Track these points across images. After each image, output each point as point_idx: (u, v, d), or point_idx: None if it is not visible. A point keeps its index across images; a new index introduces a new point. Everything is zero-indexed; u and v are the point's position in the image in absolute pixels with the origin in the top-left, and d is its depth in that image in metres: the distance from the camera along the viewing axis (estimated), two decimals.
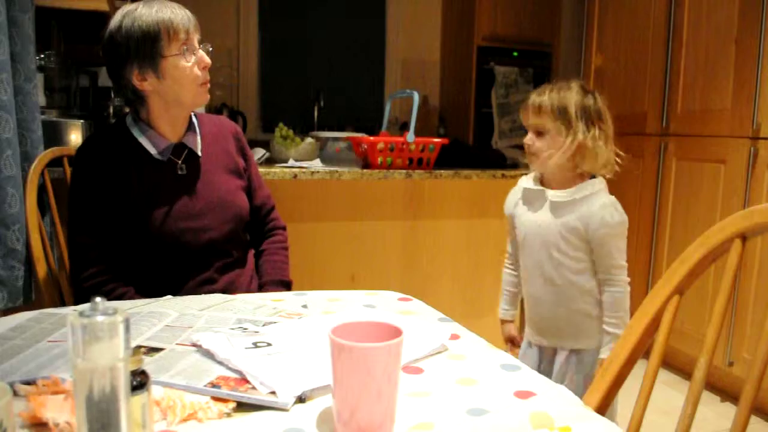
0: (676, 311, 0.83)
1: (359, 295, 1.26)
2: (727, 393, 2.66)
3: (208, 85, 1.42)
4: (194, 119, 1.51)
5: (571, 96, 1.49)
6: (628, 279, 1.52)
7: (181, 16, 1.35)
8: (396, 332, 0.71)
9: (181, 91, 1.37)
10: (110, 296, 1.33)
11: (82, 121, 2.09)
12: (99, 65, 2.78)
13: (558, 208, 1.52)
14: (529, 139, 1.56)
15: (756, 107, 2.55)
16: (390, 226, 2.27)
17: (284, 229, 1.67)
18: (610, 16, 3.43)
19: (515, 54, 4.55)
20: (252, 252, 1.61)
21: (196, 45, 1.38)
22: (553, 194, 1.54)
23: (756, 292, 2.49)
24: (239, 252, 1.53)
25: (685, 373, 2.87)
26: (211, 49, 1.42)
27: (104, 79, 2.80)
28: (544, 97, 1.51)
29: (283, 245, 1.64)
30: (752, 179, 2.56)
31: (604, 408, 0.86)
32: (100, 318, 0.55)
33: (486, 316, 2.34)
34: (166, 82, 1.35)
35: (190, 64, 1.36)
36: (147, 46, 1.32)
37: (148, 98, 1.39)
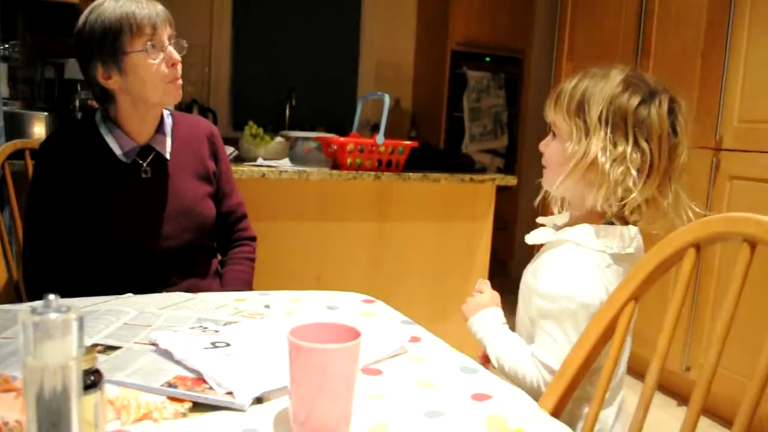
0: (631, 317, 0.84)
1: (322, 295, 1.26)
2: (684, 398, 2.71)
3: (180, 82, 1.36)
4: (168, 119, 1.46)
5: (604, 88, 1.03)
6: (542, 388, 0.99)
7: (147, 10, 1.29)
8: (355, 334, 0.72)
9: (146, 89, 1.32)
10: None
11: (45, 113, 2.05)
12: (65, 57, 2.73)
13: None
14: (542, 143, 1.13)
15: (719, 120, 2.61)
16: (357, 228, 2.28)
17: (253, 240, 1.63)
18: (582, 25, 3.48)
19: (488, 59, 4.59)
20: (217, 259, 1.58)
21: (165, 41, 1.32)
22: (529, 236, 1.17)
23: (714, 300, 2.54)
24: (202, 258, 1.50)
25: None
26: (185, 45, 1.36)
27: (71, 72, 2.75)
28: (567, 83, 1.09)
29: (248, 256, 1.59)
30: (714, 189, 2.62)
31: (558, 411, 0.87)
32: (52, 315, 0.54)
33: (451, 320, 2.35)
34: (130, 79, 1.31)
35: (156, 61, 1.30)
36: (108, 42, 1.28)
37: (116, 96, 1.35)
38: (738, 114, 2.55)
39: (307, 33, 4.59)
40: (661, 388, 2.76)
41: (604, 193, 0.99)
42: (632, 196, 0.98)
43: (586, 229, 1.02)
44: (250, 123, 2.36)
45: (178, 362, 0.86)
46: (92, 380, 0.61)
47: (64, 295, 0.57)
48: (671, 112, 1.02)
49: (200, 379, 0.81)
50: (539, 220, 1.19)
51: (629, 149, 0.99)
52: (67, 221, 1.36)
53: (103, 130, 1.38)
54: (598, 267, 1.00)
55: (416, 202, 2.35)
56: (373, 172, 2.15)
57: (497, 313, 1.20)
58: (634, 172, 0.97)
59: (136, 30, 1.28)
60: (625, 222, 1.03)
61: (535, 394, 0.95)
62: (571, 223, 1.09)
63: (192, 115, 1.57)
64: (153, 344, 0.92)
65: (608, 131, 1.00)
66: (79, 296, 1.15)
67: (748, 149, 2.49)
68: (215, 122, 3.95)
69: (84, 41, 1.30)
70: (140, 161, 1.40)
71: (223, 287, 1.50)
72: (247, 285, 1.54)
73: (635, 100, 1.01)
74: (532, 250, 1.30)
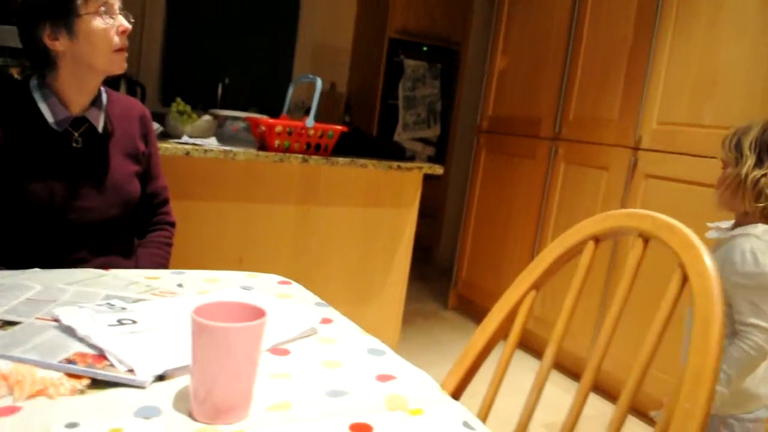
0: (532, 305, 0.88)
1: (238, 276, 1.25)
2: (594, 383, 2.84)
3: (126, 54, 1.36)
4: (104, 95, 1.45)
5: (753, 129, 1.42)
6: (763, 343, 1.32)
7: None
8: (259, 313, 0.72)
9: (94, 54, 1.32)
10: None
11: None
12: None
13: (712, 250, 1.38)
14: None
15: (639, 120, 2.73)
16: (283, 210, 2.27)
17: (173, 225, 1.63)
18: (517, 21, 3.55)
19: (425, 49, 4.63)
20: (135, 241, 1.57)
21: (117, 8, 1.34)
22: (708, 233, 1.46)
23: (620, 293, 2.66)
24: (120, 238, 1.49)
25: (556, 364, 3.03)
26: (132, 19, 1.37)
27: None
28: (731, 129, 1.48)
29: (166, 241, 1.60)
30: (630, 187, 2.74)
31: (459, 393, 0.90)
32: None
33: (372, 304, 2.38)
34: (80, 43, 1.30)
35: (106, 26, 1.31)
36: (62, 2, 1.27)
37: (59, 60, 1.33)
38: (657, 116, 2.67)
39: (244, 11, 4.51)
40: (572, 374, 2.88)
41: (750, 199, 1.37)
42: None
43: (761, 227, 1.37)
44: (178, 99, 2.31)
45: (80, 339, 0.84)
46: None
47: None
48: None
49: (101, 356, 0.79)
50: (709, 224, 1.50)
51: None
52: None
53: (36, 97, 1.36)
54: None
55: (343, 187, 2.36)
56: (301, 155, 2.14)
57: None
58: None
59: None
60: None
61: (763, 359, 1.31)
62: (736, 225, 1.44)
63: (126, 96, 1.57)
64: (55, 320, 0.90)
65: (756, 155, 1.37)
66: None
67: (663, 150, 2.62)
68: (144, 97, 3.83)
69: (34, 0, 1.28)
70: (72, 131, 1.38)
71: (138, 268, 1.48)
72: (162, 269, 1.53)
73: None
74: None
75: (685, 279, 0.71)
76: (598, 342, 0.78)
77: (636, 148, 2.73)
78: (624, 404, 0.74)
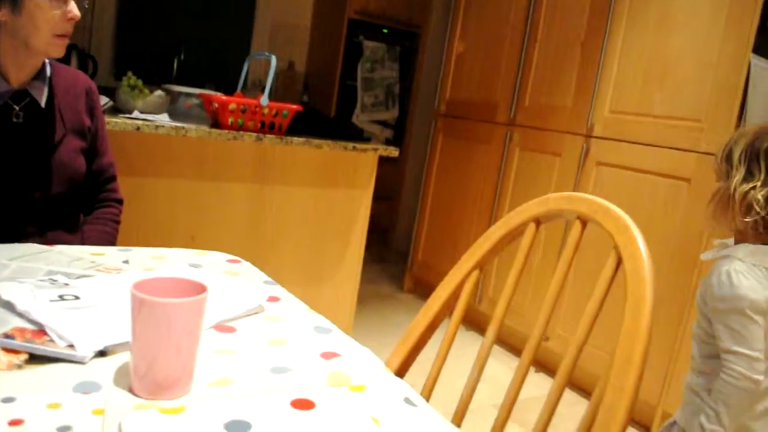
0: (476, 284, 0.90)
1: (186, 253, 1.24)
2: (542, 364, 2.91)
3: (67, 40, 1.32)
4: (48, 68, 1.40)
5: (743, 139, 1.30)
6: (745, 371, 1.22)
7: None
8: (201, 289, 0.72)
9: (35, 33, 1.27)
10: None
11: None
12: None
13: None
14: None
15: (592, 108, 2.78)
16: (236, 189, 2.25)
17: (120, 202, 1.60)
18: (476, 6, 3.56)
19: (385, 31, 4.62)
20: (81, 218, 1.54)
21: None
22: (703, 254, 1.40)
23: (575, 275, 2.73)
24: (66, 214, 1.46)
25: (507, 344, 3.10)
26: (86, 5, 1.32)
27: None
28: (725, 140, 1.37)
29: (113, 218, 1.57)
30: (582, 173, 2.80)
31: (404, 370, 0.92)
32: None
33: (326, 285, 2.39)
34: (22, 19, 1.25)
35: (53, 9, 1.26)
36: None
37: None
38: (609, 105, 2.73)
39: None
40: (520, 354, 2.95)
41: (737, 215, 1.27)
42: (756, 217, 1.23)
43: (744, 248, 1.28)
44: (129, 74, 2.26)
45: (19, 314, 0.83)
46: None
47: None
48: None
49: (41, 332, 0.78)
50: (715, 242, 1.40)
51: (765, 176, 1.25)
52: None
53: None
54: (756, 275, 1.25)
55: (298, 167, 2.35)
56: (255, 134, 2.12)
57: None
58: (759, 196, 1.23)
59: None
60: None
61: (751, 388, 1.20)
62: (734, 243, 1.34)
63: (71, 68, 1.51)
64: None
65: (745, 167, 1.27)
66: None
67: (614, 138, 2.68)
68: (95, 70, 3.72)
69: None
70: (13, 105, 1.34)
71: (83, 245, 1.46)
72: (109, 246, 1.51)
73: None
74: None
75: (619, 261, 0.74)
76: (537, 321, 0.80)
77: (588, 136, 2.79)
78: (561, 381, 0.77)
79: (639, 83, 2.61)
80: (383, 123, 4.67)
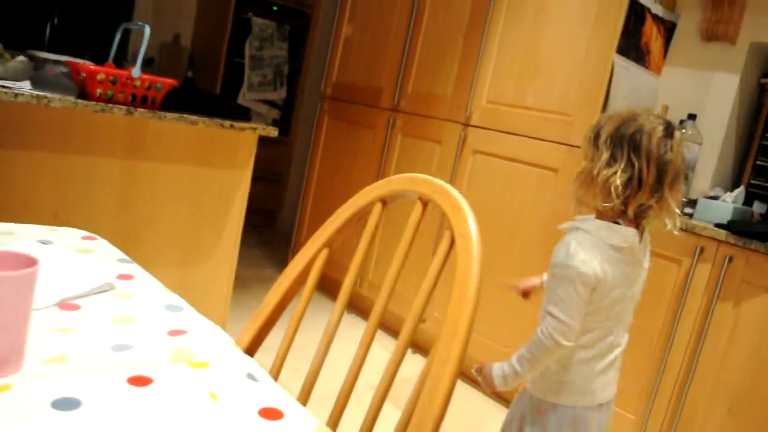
0: (324, 262, 0.92)
1: (36, 229, 1.19)
2: (419, 346, 3.01)
3: None
4: None
5: (610, 123, 1.34)
6: (554, 333, 1.32)
7: None
8: (32, 263, 0.70)
9: None
10: None
11: None
12: None
13: None
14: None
15: (471, 98, 2.88)
16: (105, 164, 2.15)
17: None
18: None
19: (275, 9, 4.55)
20: None
21: None
22: (560, 225, 1.44)
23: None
24: None
25: (386, 328, 3.18)
26: None
27: None
28: (594, 121, 1.42)
29: None
30: (460, 160, 2.90)
31: (255, 347, 0.93)
32: None
33: (202, 266, 2.34)
34: None
35: None
36: None
37: None
38: (486, 95, 2.84)
39: None
40: (397, 335, 3.03)
41: (590, 193, 1.33)
42: (615, 202, 1.28)
43: (594, 222, 1.35)
44: None
45: None
46: None
47: None
48: (666, 138, 1.30)
49: None
50: (576, 217, 1.44)
51: (624, 163, 1.28)
52: None
53: None
54: (598, 249, 1.31)
55: (173, 143, 2.28)
56: (125, 107, 2.04)
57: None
58: (618, 182, 1.27)
59: None
60: (632, 222, 1.33)
61: (554, 349, 1.31)
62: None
63: None
64: None
65: (610, 151, 1.30)
66: None
67: (490, 127, 2.79)
68: None
69: None
70: None
71: None
72: None
73: (636, 132, 1.30)
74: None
75: (453, 240, 0.78)
76: (379, 297, 0.84)
77: (466, 124, 2.89)
78: (398, 352, 0.81)
79: (515, 76, 2.73)
80: (271, 103, 4.61)
